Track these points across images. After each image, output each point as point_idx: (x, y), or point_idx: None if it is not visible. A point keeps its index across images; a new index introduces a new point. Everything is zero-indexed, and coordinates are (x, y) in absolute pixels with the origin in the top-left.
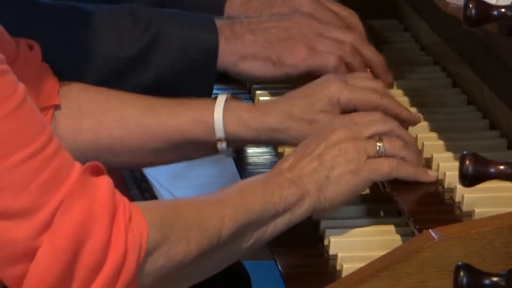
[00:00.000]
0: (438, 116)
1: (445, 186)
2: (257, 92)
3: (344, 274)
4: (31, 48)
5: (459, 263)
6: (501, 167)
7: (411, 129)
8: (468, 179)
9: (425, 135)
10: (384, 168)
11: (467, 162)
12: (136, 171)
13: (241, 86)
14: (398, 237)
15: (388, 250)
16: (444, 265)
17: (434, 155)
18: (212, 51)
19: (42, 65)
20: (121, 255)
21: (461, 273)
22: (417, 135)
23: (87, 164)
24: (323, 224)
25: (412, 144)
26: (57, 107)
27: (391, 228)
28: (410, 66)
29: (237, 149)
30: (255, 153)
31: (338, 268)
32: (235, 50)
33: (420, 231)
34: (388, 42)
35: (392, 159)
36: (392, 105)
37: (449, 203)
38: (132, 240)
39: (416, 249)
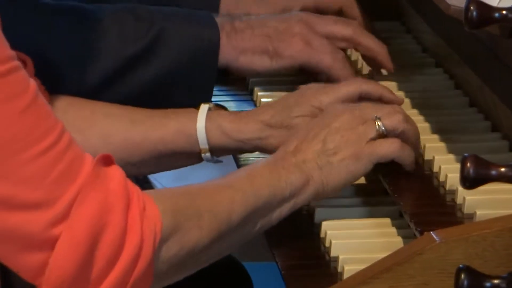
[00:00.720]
0: (440, 118)
1: (447, 188)
2: (259, 93)
3: (345, 276)
4: (24, 63)
5: (460, 265)
6: (502, 169)
7: None
8: (469, 182)
9: (426, 137)
10: (383, 150)
11: (468, 164)
12: None
13: (242, 87)
14: (400, 239)
15: (390, 252)
16: (446, 267)
17: (436, 157)
18: (214, 47)
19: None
20: (137, 244)
21: (462, 275)
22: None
23: (98, 155)
24: (324, 226)
25: (412, 121)
26: None
27: (392, 230)
28: (412, 68)
29: (221, 156)
30: (257, 154)
31: (339, 270)
32: (235, 45)
33: (421, 233)
34: (387, 44)
35: (392, 140)
36: (374, 90)
37: (451, 205)
38: (147, 229)
39: (417, 251)
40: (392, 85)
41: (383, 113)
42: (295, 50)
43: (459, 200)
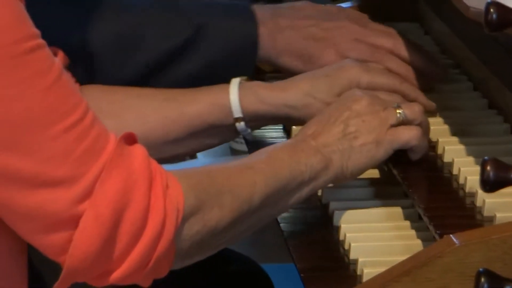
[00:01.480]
0: (459, 120)
1: (466, 191)
2: None
3: (364, 279)
4: (55, 54)
5: (480, 269)
6: None
7: (432, 132)
8: (489, 185)
9: (446, 139)
10: (405, 136)
11: (488, 167)
12: None
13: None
14: (419, 241)
15: (409, 255)
16: (465, 271)
17: (455, 159)
18: (253, 43)
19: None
20: (160, 221)
21: (482, 279)
22: (438, 139)
23: (122, 134)
24: (343, 228)
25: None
26: None
27: (412, 232)
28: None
29: (256, 129)
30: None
31: (358, 273)
32: (276, 46)
33: (441, 236)
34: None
35: (413, 127)
36: (411, 91)
37: (470, 208)
38: (170, 206)
39: (437, 254)
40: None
41: (403, 101)
42: (326, 61)
43: (478, 203)
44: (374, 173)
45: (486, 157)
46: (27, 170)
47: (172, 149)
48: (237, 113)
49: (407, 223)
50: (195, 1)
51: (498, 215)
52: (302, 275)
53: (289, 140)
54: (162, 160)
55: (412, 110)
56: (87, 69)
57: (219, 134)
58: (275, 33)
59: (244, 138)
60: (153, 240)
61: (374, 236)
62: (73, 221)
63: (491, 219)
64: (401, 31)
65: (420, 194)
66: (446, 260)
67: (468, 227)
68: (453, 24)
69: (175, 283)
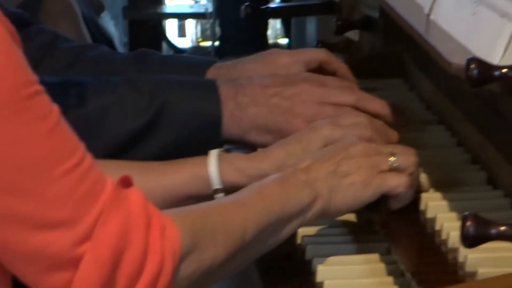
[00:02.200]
0: (443, 175)
1: (449, 247)
2: None
3: None
4: None
5: None
6: (503, 228)
7: None
8: (470, 241)
9: (429, 194)
10: (393, 182)
11: (468, 223)
12: None
13: None
14: (391, 279)
15: None
16: None
17: (438, 215)
18: (216, 122)
19: None
20: (158, 262)
21: None
22: (421, 195)
23: (119, 177)
24: (326, 285)
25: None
26: None
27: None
28: (415, 125)
29: None
30: None
31: None
32: (239, 124)
33: None
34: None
35: (402, 175)
36: (383, 135)
37: (453, 263)
38: (167, 247)
39: None
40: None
41: (399, 151)
42: (296, 132)
43: (461, 258)
44: (357, 229)
45: (466, 213)
46: (28, 213)
47: None
48: (217, 184)
49: (390, 278)
50: (155, 79)
51: (480, 270)
52: None
53: (279, 174)
54: None
55: (406, 159)
56: None
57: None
58: (238, 112)
59: None
60: (152, 282)
61: (350, 281)
62: (74, 263)
63: (473, 274)
64: (386, 87)
65: (403, 250)
66: None
67: (450, 283)
68: (437, 79)
69: None
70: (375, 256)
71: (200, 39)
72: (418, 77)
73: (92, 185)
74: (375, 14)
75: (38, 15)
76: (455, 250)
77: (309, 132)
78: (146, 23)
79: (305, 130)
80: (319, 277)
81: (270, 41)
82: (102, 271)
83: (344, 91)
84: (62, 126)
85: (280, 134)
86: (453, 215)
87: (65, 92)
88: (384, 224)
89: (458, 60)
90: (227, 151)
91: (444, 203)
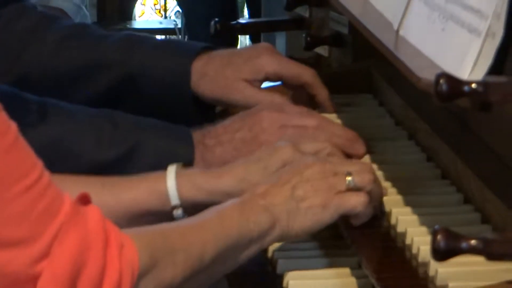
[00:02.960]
0: (413, 191)
1: (419, 261)
2: None
3: None
4: None
5: None
6: (473, 241)
7: (385, 202)
8: (440, 254)
9: (399, 209)
10: (351, 203)
11: (439, 237)
12: None
13: None
14: None
15: None
16: None
17: (408, 229)
18: (188, 164)
19: None
20: (116, 280)
21: None
22: (391, 210)
23: (77, 195)
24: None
25: (379, 182)
26: None
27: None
28: (385, 141)
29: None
30: None
31: None
32: (210, 165)
33: None
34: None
35: (361, 194)
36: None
37: (423, 277)
38: (125, 265)
39: None
40: (364, 157)
41: (355, 170)
42: None
43: (431, 273)
44: (328, 243)
45: (437, 226)
46: None
47: None
48: (175, 200)
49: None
50: (133, 117)
51: (450, 284)
52: None
53: (238, 199)
54: None
55: (362, 178)
56: None
57: (157, 220)
58: (206, 154)
59: None
60: None
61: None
62: (31, 281)
63: None
64: (355, 102)
65: (373, 264)
66: None
67: None
68: (406, 95)
69: None
70: (346, 270)
71: None
72: (388, 92)
73: (50, 203)
74: (345, 30)
75: None
76: (425, 264)
77: (270, 152)
78: None
79: (265, 149)
80: (279, 270)
81: None
82: None
83: (304, 115)
84: (20, 144)
85: None
86: (424, 229)
87: (26, 107)
88: (354, 239)
89: (427, 75)
90: (186, 166)
91: (414, 218)
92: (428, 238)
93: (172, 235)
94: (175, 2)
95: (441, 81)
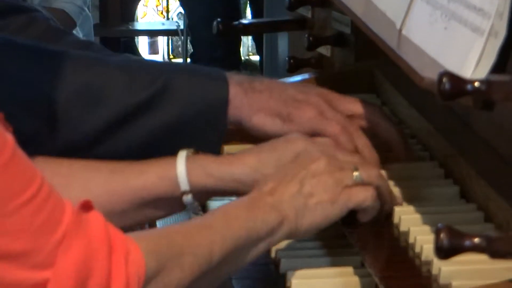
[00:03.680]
0: (415, 190)
1: (422, 259)
2: None
3: None
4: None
5: None
6: (476, 239)
7: None
8: (444, 252)
9: (402, 208)
10: (359, 197)
11: (442, 235)
12: None
13: None
14: None
15: None
16: None
17: (411, 228)
18: (222, 102)
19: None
20: (123, 287)
21: None
22: (394, 209)
23: (79, 202)
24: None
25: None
26: None
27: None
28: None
29: (202, 203)
30: None
31: None
32: (252, 104)
33: None
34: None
35: (368, 189)
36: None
37: (426, 276)
38: (131, 271)
39: None
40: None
41: (361, 164)
42: (307, 117)
43: (434, 271)
44: (331, 242)
45: (440, 224)
46: None
47: (119, 222)
48: (184, 186)
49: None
50: (165, 62)
51: (454, 283)
52: None
53: (245, 197)
54: None
55: (369, 174)
56: (51, 123)
57: (166, 206)
58: (250, 93)
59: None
60: None
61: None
62: None
63: (447, 287)
64: None
65: (376, 263)
66: None
67: None
68: (409, 94)
69: None
70: (349, 269)
71: (172, 56)
72: (390, 92)
73: (51, 213)
74: (347, 30)
75: None
76: (428, 263)
77: (283, 143)
78: (118, 40)
79: (279, 139)
80: (282, 269)
81: (242, 58)
82: None
83: (361, 102)
84: (18, 158)
85: (289, 119)
86: (427, 228)
87: (70, 58)
88: (357, 238)
89: (430, 74)
90: (196, 152)
91: (417, 217)
92: (431, 237)
93: (178, 237)
94: (178, 3)
95: (444, 80)
